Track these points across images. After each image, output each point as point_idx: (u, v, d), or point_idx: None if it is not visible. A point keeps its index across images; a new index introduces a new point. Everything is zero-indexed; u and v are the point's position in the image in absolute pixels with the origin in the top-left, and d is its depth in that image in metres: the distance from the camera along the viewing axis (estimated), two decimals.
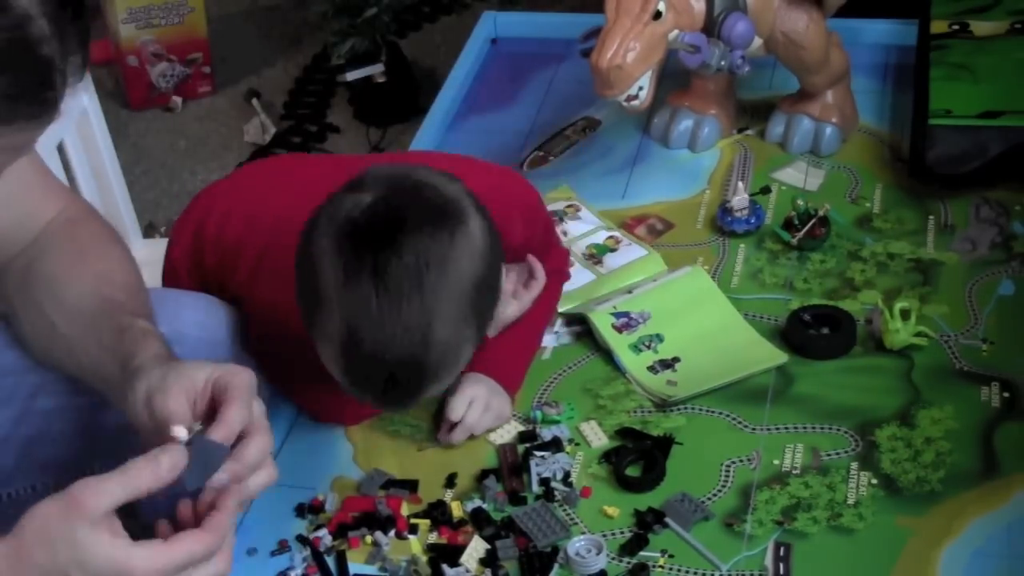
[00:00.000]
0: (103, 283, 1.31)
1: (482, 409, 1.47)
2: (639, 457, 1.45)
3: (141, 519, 1.46)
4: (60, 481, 1.38)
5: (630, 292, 1.67)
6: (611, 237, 1.77)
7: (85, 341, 1.27)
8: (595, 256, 1.74)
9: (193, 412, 1.15)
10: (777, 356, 1.56)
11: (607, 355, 1.60)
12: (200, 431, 1.11)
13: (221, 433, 1.12)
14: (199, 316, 1.43)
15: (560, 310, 1.66)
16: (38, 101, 0.96)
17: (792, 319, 1.60)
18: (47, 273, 1.32)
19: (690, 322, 1.62)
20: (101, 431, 1.41)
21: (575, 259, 1.73)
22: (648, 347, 1.59)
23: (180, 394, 1.14)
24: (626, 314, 1.63)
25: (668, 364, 1.58)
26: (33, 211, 1.36)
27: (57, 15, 0.95)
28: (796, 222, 1.73)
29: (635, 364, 1.58)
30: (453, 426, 1.48)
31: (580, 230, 1.79)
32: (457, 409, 1.47)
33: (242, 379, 1.16)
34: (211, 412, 1.15)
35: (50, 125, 1.00)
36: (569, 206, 1.84)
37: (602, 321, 1.62)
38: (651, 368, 1.57)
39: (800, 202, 1.74)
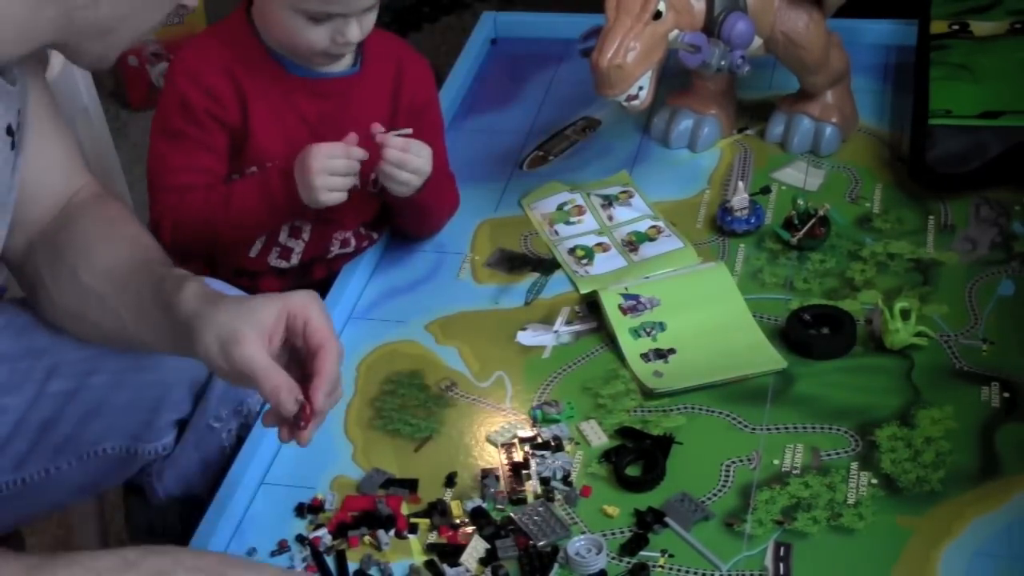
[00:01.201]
0: (136, 245, 1.37)
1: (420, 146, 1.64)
2: (639, 457, 1.45)
3: (153, 500, 1.50)
4: (73, 464, 1.42)
5: (647, 278, 1.67)
6: (654, 227, 1.78)
7: (123, 297, 1.31)
8: (633, 244, 1.75)
9: (270, 350, 1.20)
10: (776, 362, 1.55)
11: (607, 353, 1.60)
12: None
13: (326, 387, 1.21)
14: None
15: (582, 291, 1.68)
16: None
17: (792, 319, 1.60)
18: (79, 238, 1.36)
19: (696, 316, 1.62)
20: (114, 412, 1.42)
21: (613, 245, 1.75)
22: (648, 334, 1.59)
23: (256, 340, 1.19)
24: (635, 297, 1.63)
25: (662, 354, 1.58)
26: (60, 187, 1.41)
27: None
28: (796, 222, 1.73)
29: (631, 348, 1.58)
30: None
31: (626, 216, 1.80)
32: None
33: (315, 310, 1.22)
34: (288, 341, 1.23)
35: None
36: (623, 191, 1.85)
37: (610, 300, 1.62)
38: (644, 355, 1.57)
39: (800, 202, 1.74)
